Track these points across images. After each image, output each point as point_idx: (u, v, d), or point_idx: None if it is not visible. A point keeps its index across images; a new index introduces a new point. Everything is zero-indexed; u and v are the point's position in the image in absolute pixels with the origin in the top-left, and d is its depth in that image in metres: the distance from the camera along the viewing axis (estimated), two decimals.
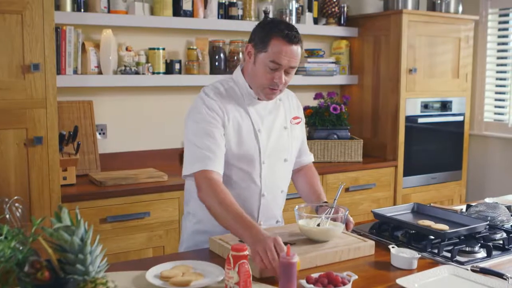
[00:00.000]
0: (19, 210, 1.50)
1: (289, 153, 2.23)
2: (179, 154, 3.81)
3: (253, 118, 2.13)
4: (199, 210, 2.15)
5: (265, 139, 2.14)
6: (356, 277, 1.66)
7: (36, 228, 1.27)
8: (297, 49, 2.04)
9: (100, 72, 3.41)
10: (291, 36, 2.01)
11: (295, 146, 2.28)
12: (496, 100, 4.79)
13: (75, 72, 3.31)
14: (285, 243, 1.90)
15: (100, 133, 3.54)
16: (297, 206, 2.06)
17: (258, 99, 2.14)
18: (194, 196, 2.10)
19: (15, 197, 1.61)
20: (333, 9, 4.27)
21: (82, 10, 3.33)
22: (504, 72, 4.70)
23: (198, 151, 2.01)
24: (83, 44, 3.36)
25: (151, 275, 1.66)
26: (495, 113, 4.79)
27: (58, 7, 3.22)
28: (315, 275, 1.62)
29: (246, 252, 1.54)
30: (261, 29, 2.07)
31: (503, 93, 4.72)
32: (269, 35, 2.02)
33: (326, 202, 2.18)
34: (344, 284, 1.59)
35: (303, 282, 1.60)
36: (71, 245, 1.23)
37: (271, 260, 1.65)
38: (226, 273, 1.56)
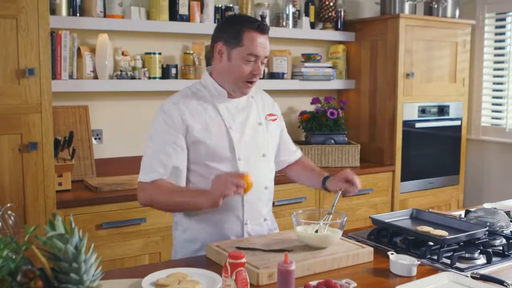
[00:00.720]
0: (12, 218, 1.47)
1: (267, 148, 2.23)
2: None
3: (224, 116, 2.14)
4: (183, 219, 2.19)
5: (238, 136, 2.13)
6: (355, 284, 1.64)
7: (29, 236, 1.24)
8: (267, 38, 2.11)
9: (96, 77, 3.39)
10: (262, 26, 2.08)
11: (272, 142, 2.28)
12: (493, 104, 4.78)
13: (71, 77, 3.29)
14: (283, 250, 1.89)
15: (95, 138, 3.52)
16: (294, 212, 2.04)
17: (229, 97, 2.16)
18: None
19: (8, 205, 1.58)
20: (330, 14, 4.26)
21: (78, 14, 3.31)
22: (501, 76, 4.70)
23: (147, 160, 2.10)
24: (78, 49, 3.34)
25: (147, 283, 1.64)
26: (492, 118, 4.78)
27: (53, 11, 3.19)
28: (313, 283, 1.60)
29: (244, 260, 1.52)
30: (229, 25, 2.11)
31: (500, 97, 4.72)
32: (241, 29, 2.05)
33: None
34: None
35: None
36: (65, 253, 1.20)
37: (234, 186, 1.85)
38: (223, 281, 1.53)
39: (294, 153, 2.44)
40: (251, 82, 2.11)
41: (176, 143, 2.07)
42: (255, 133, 2.19)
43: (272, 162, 2.29)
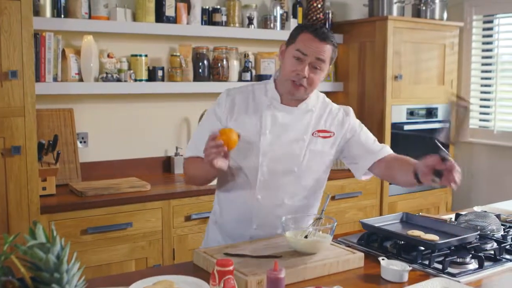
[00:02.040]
0: None
1: (299, 165, 2.13)
2: (162, 163, 3.74)
3: (264, 120, 2.12)
4: (215, 200, 2.31)
5: (268, 143, 2.10)
6: None
7: (9, 245, 1.19)
8: (325, 45, 2.05)
9: (81, 79, 3.34)
10: (319, 31, 2.05)
11: (314, 159, 2.15)
12: (481, 106, 4.78)
13: (55, 79, 3.23)
14: (272, 256, 1.86)
15: (81, 142, 3.47)
16: (283, 218, 2.00)
17: (282, 103, 2.13)
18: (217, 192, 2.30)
19: None
20: (317, 16, 4.24)
21: (62, 15, 3.25)
22: (489, 78, 4.70)
23: (191, 141, 2.25)
24: (63, 51, 3.29)
25: None
26: (480, 120, 4.78)
27: (37, 12, 3.14)
28: None
29: (232, 267, 1.48)
30: (295, 29, 2.14)
31: (488, 99, 4.72)
32: (299, 30, 2.09)
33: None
34: None
35: None
36: (46, 263, 1.16)
37: (213, 149, 1.86)
38: None
39: (376, 153, 2.23)
40: (298, 84, 2.05)
41: (214, 129, 2.04)
42: (290, 147, 2.12)
43: (308, 179, 2.17)
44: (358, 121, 2.29)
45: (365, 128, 2.29)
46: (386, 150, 2.26)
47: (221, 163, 1.89)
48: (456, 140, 1.93)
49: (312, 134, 2.16)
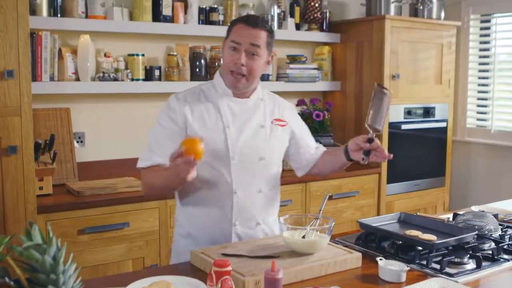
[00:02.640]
0: None
1: (267, 152, 2.18)
2: None
3: (224, 115, 2.14)
4: (179, 214, 2.24)
5: (234, 136, 2.12)
6: None
7: (5, 246, 1.18)
8: (258, 31, 2.09)
9: (77, 79, 3.32)
10: (252, 20, 2.11)
11: (276, 147, 2.23)
12: (478, 106, 4.79)
13: (52, 78, 3.22)
14: (270, 257, 1.85)
15: (77, 141, 3.45)
16: (281, 218, 1.99)
17: (235, 96, 2.17)
18: (177, 202, 2.25)
19: None
20: (315, 15, 4.24)
21: (59, 15, 3.24)
22: (486, 78, 4.70)
23: (147, 150, 2.14)
24: (59, 50, 3.27)
25: None
26: (478, 119, 4.79)
27: (33, 11, 3.13)
28: None
29: (229, 268, 1.47)
30: (229, 25, 2.19)
31: (485, 99, 4.72)
32: (232, 24, 2.15)
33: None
34: None
35: None
36: (42, 264, 1.15)
37: (184, 167, 1.82)
38: None
39: (315, 152, 2.36)
40: (238, 74, 2.09)
41: (176, 135, 2.09)
42: (255, 135, 2.16)
43: (274, 167, 2.23)
44: (300, 117, 2.41)
45: (306, 126, 2.40)
46: (323, 148, 2.40)
47: (193, 174, 1.88)
48: (373, 127, 2.02)
49: (271, 122, 2.23)
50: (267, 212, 2.23)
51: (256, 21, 2.10)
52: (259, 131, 2.18)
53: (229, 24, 2.18)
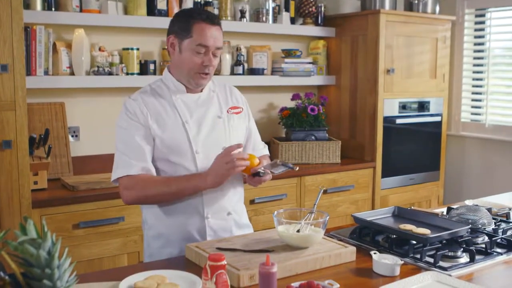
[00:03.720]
0: None
1: (228, 142, 2.18)
2: None
3: (180, 111, 2.13)
4: (148, 216, 2.21)
5: (195, 130, 2.13)
6: (338, 285, 1.62)
7: None
8: (219, 29, 2.11)
9: (72, 73, 3.32)
10: (212, 17, 2.09)
11: (235, 135, 2.24)
12: (472, 100, 4.80)
13: (46, 73, 3.21)
14: (264, 251, 1.86)
15: (72, 136, 3.45)
16: (276, 212, 2.00)
17: (188, 92, 2.17)
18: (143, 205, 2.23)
19: None
20: (310, 9, 4.23)
21: (53, 9, 3.23)
22: (481, 72, 4.71)
23: (120, 157, 2.10)
24: (54, 44, 3.26)
25: (124, 286, 1.59)
26: (472, 114, 4.80)
27: (27, 5, 3.12)
28: (295, 284, 1.57)
29: (224, 262, 1.48)
30: (180, 18, 2.12)
31: (480, 93, 4.73)
32: (189, 21, 2.08)
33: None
34: None
35: None
36: (37, 259, 1.15)
37: (237, 163, 1.95)
38: (203, 284, 1.49)
39: (260, 150, 2.38)
40: (205, 74, 2.11)
41: (146, 135, 2.08)
42: (214, 127, 2.18)
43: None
44: (251, 112, 2.41)
45: (253, 121, 2.41)
46: (267, 150, 2.43)
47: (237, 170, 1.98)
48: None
49: (227, 112, 2.24)
50: (236, 200, 2.25)
51: (214, 17, 2.11)
52: (217, 122, 2.19)
53: (180, 19, 2.10)
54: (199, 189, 2.06)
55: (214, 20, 2.09)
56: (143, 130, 2.08)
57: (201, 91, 2.21)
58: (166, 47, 3.57)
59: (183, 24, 2.08)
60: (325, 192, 3.82)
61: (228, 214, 2.20)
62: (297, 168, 2.09)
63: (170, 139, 2.09)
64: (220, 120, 2.20)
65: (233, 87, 2.37)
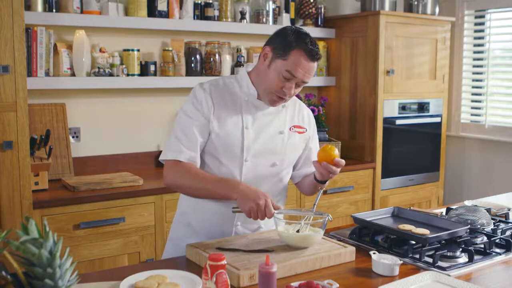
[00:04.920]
0: None
1: (281, 159, 2.15)
2: (154, 158, 3.74)
3: (244, 115, 2.10)
4: (184, 202, 2.21)
5: (252, 138, 2.09)
6: (338, 285, 1.62)
7: (1, 241, 1.20)
8: (315, 65, 2.04)
9: (73, 74, 3.33)
10: (314, 52, 2.00)
11: (290, 153, 2.20)
12: (472, 101, 4.81)
13: (47, 74, 3.22)
14: (264, 251, 1.87)
15: (73, 137, 3.46)
16: (276, 212, 2.01)
17: (258, 98, 2.12)
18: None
19: None
20: (310, 10, 4.25)
21: (54, 10, 3.24)
22: (480, 73, 4.72)
23: (174, 141, 2.06)
24: (55, 45, 3.28)
25: (125, 285, 1.60)
26: (472, 114, 4.81)
27: (28, 7, 3.13)
28: (295, 284, 1.58)
29: (224, 262, 1.49)
30: (285, 35, 2.03)
31: (479, 94, 4.74)
32: (292, 44, 1.99)
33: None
34: None
35: None
36: (39, 258, 1.16)
37: (259, 217, 1.88)
38: (203, 284, 1.50)
39: (310, 166, 2.31)
40: (280, 98, 2.06)
41: (203, 128, 2.05)
42: (272, 140, 2.14)
43: (284, 174, 2.21)
44: (316, 129, 2.37)
45: (317, 141, 2.36)
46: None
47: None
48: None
49: (290, 129, 2.20)
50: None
51: (316, 54, 2.01)
52: (277, 137, 2.15)
53: (286, 39, 2.01)
54: (226, 197, 2.01)
55: (315, 56, 2.01)
56: (203, 121, 2.05)
57: None
58: (167, 48, 3.61)
59: (285, 44, 2.00)
60: (325, 192, 3.83)
61: (258, 228, 2.19)
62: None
63: (225, 138, 2.06)
64: (281, 136, 2.16)
65: (303, 105, 2.32)
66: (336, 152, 2.05)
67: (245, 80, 2.13)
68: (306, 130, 2.26)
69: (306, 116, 2.29)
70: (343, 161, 2.06)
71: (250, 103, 2.11)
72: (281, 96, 2.04)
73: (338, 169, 2.07)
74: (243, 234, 2.14)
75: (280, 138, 2.16)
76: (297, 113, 2.25)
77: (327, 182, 2.20)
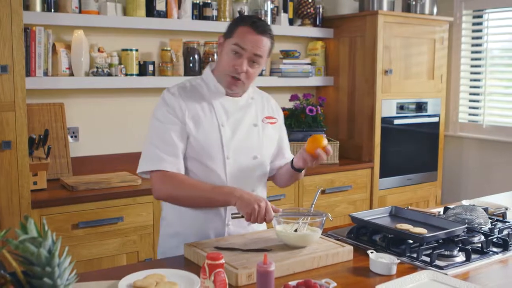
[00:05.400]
0: None
1: (260, 151, 2.17)
2: None
3: (218, 113, 2.10)
4: (168, 213, 2.19)
5: (229, 134, 2.10)
6: (335, 284, 1.63)
7: (0, 240, 1.20)
8: (262, 39, 2.05)
9: (71, 74, 3.33)
10: (257, 24, 2.05)
11: (267, 145, 2.22)
12: (470, 101, 4.82)
13: (46, 73, 3.23)
14: (262, 250, 1.87)
15: (71, 136, 3.46)
16: (274, 215, 2.01)
17: (227, 95, 2.14)
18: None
19: None
20: (308, 10, 4.25)
21: (53, 10, 3.24)
22: (478, 73, 4.73)
23: (154, 151, 2.04)
24: (53, 45, 3.28)
25: (123, 285, 1.60)
26: (470, 114, 4.82)
27: (27, 7, 3.13)
28: (293, 283, 1.58)
29: (223, 261, 1.49)
30: (232, 22, 2.13)
31: (477, 94, 4.75)
32: (237, 23, 2.08)
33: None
34: None
35: None
36: (37, 257, 1.16)
37: (258, 221, 1.88)
38: (201, 282, 1.51)
39: (286, 160, 2.33)
40: (236, 79, 2.07)
41: (181, 132, 2.05)
42: (248, 134, 2.15)
43: (265, 166, 2.23)
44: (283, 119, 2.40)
45: (285, 131, 2.40)
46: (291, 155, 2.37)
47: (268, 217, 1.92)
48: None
49: (262, 121, 2.22)
50: None
51: (263, 27, 2.05)
52: (252, 130, 2.17)
53: (230, 21, 2.13)
54: (224, 204, 2.02)
55: (260, 29, 2.04)
56: (180, 126, 2.05)
57: (240, 96, 2.18)
58: (165, 48, 3.62)
59: (231, 26, 2.09)
60: (323, 192, 3.84)
61: (249, 224, 2.18)
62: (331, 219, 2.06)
63: (204, 139, 2.06)
64: (256, 128, 2.18)
65: (270, 96, 2.34)
66: (326, 140, 2.09)
67: (210, 78, 2.15)
68: (277, 120, 2.29)
69: (274, 106, 2.32)
70: (331, 149, 2.10)
71: (219, 101, 2.13)
72: (235, 75, 2.06)
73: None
74: (235, 233, 2.14)
75: (256, 131, 2.18)
76: (266, 104, 2.28)
77: (304, 170, 2.23)
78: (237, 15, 3.92)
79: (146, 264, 1.95)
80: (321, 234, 2.03)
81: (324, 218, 1.97)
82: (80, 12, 3.33)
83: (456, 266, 1.87)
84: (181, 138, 2.05)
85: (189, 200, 2.03)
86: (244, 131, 2.15)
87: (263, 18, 3.99)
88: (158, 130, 2.06)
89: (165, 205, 2.21)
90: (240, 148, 2.12)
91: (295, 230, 1.95)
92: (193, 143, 2.06)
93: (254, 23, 2.04)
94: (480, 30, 4.72)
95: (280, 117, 2.33)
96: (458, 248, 1.98)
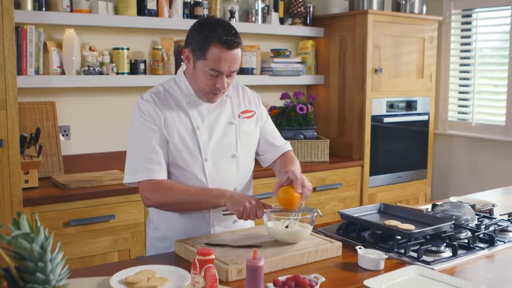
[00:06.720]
0: None
1: (237, 149, 2.17)
2: None
3: (192, 117, 2.10)
4: (155, 217, 2.20)
5: (206, 137, 2.10)
6: (324, 279, 1.65)
7: None
8: (237, 52, 2.00)
9: (62, 73, 3.34)
10: (230, 42, 1.96)
11: (246, 141, 2.21)
12: (459, 99, 4.86)
13: (37, 72, 3.23)
14: (252, 246, 1.90)
15: (63, 135, 3.47)
16: (265, 211, 2.03)
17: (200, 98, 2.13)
18: None
19: None
20: (299, 9, 4.28)
21: (44, 9, 3.25)
22: (467, 72, 4.77)
23: (138, 161, 2.04)
24: (45, 44, 3.29)
25: (115, 280, 1.62)
26: (459, 113, 4.86)
27: (18, 5, 3.14)
28: (282, 278, 1.61)
29: (213, 256, 1.52)
30: (198, 33, 2.00)
31: (466, 92, 4.79)
32: (207, 41, 1.97)
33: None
34: (312, 286, 1.58)
35: (270, 285, 1.59)
36: (30, 253, 1.18)
37: (250, 217, 1.91)
38: (192, 278, 1.53)
39: (278, 149, 2.32)
40: (216, 94, 2.06)
41: (161, 138, 2.05)
42: (225, 134, 2.15)
43: (247, 163, 2.23)
44: (265, 109, 2.36)
45: (270, 119, 2.37)
46: (288, 146, 2.36)
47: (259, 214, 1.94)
48: None
49: (239, 117, 2.20)
50: None
51: (235, 41, 1.98)
52: (229, 128, 2.16)
53: (200, 39, 1.97)
54: (216, 205, 2.02)
55: (233, 45, 1.96)
56: (159, 133, 2.04)
57: None
58: (156, 47, 3.63)
59: (200, 42, 1.98)
60: (313, 190, 3.86)
61: (234, 222, 2.20)
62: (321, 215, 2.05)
63: (181, 144, 2.06)
64: (232, 126, 2.17)
65: (246, 87, 2.32)
66: (296, 194, 1.96)
67: (182, 81, 2.13)
68: (255, 112, 2.26)
69: (251, 98, 2.29)
70: (308, 188, 2.00)
71: (193, 103, 2.11)
72: (216, 92, 2.05)
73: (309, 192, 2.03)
74: (220, 231, 2.15)
75: (232, 129, 2.17)
76: (242, 97, 2.26)
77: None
78: (228, 14, 3.94)
79: (138, 261, 1.97)
80: (311, 231, 2.05)
81: (315, 215, 2.00)
82: (71, 11, 3.34)
83: (443, 262, 1.90)
84: (162, 145, 2.05)
85: (179, 205, 2.04)
86: (221, 131, 2.14)
87: (253, 18, 4.02)
88: (139, 140, 2.06)
89: (151, 209, 2.20)
90: (218, 148, 2.12)
91: (286, 227, 1.97)
92: (171, 148, 2.07)
93: (226, 41, 1.95)
94: (469, 29, 4.76)
95: (258, 107, 2.29)
96: (445, 244, 2.01)
